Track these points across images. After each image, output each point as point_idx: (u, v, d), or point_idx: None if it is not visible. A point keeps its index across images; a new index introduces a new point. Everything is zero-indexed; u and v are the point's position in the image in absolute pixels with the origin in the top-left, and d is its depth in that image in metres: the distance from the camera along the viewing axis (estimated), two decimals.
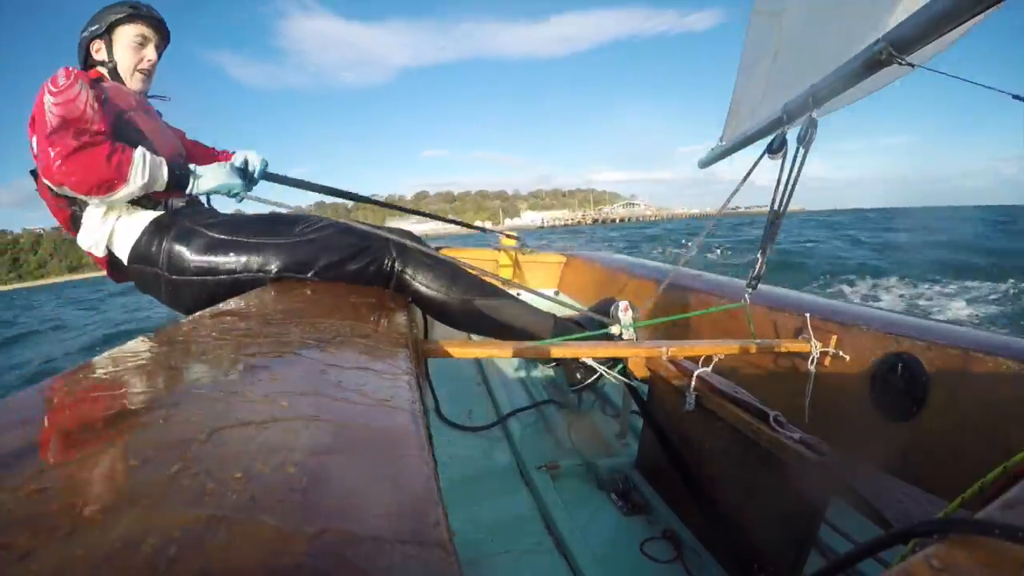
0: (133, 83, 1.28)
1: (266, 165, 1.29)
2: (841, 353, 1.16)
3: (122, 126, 1.18)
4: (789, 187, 1.22)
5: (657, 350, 1.13)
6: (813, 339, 1.17)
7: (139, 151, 1.07)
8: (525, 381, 1.81)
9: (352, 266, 1.12)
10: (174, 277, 1.10)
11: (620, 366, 1.24)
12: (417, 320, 1.22)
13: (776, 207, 1.25)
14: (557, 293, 2.67)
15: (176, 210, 1.17)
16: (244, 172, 1.23)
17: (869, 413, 1.10)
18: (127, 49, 1.26)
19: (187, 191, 1.15)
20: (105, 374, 0.47)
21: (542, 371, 1.85)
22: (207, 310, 0.77)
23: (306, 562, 0.25)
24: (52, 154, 0.99)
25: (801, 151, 1.17)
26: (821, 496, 0.77)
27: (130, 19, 1.24)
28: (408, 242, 1.18)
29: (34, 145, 1.04)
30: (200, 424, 0.38)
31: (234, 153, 1.31)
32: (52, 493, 0.29)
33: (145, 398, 0.43)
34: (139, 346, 0.57)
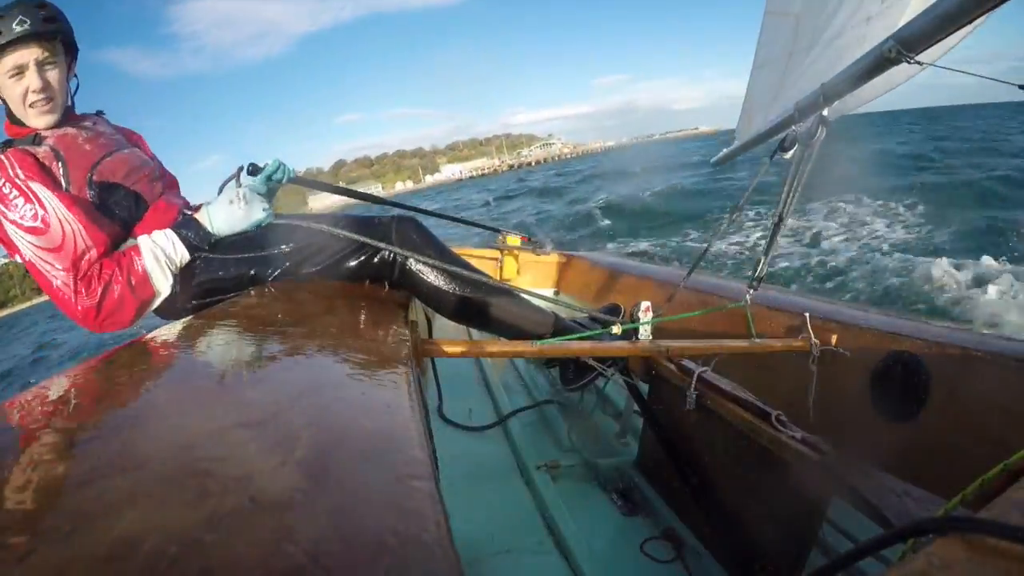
0: (34, 120, 1.05)
1: (288, 172, 1.16)
2: (841, 352, 1.16)
3: (94, 188, 1.05)
4: (796, 187, 1.22)
5: (658, 350, 1.13)
6: (813, 338, 1.17)
7: (147, 254, 0.98)
8: (525, 381, 1.81)
9: (355, 260, 1.11)
10: (178, 306, 1.06)
11: (620, 366, 1.23)
12: (418, 320, 1.22)
13: (782, 209, 1.25)
14: (556, 293, 2.67)
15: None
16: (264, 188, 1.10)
17: (869, 413, 1.10)
18: (6, 85, 1.02)
19: (211, 242, 1.04)
20: (105, 373, 0.47)
21: (542, 371, 1.85)
22: (208, 311, 0.78)
23: (306, 562, 0.25)
24: (82, 317, 0.94)
25: (812, 146, 1.17)
26: (822, 495, 0.77)
27: None
28: (409, 228, 1.15)
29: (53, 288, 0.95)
30: (200, 424, 0.38)
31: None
32: (52, 493, 0.29)
33: (145, 398, 0.43)
34: (140, 347, 0.57)
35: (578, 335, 1.24)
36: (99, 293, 0.93)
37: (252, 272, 1.06)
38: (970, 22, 0.78)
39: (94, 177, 1.07)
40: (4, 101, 1.05)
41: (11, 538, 0.25)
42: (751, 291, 1.30)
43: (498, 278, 2.57)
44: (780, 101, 1.41)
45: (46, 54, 1.03)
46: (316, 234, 1.11)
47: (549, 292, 2.69)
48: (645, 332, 1.25)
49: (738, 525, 0.92)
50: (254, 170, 1.08)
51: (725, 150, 1.73)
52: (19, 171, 0.96)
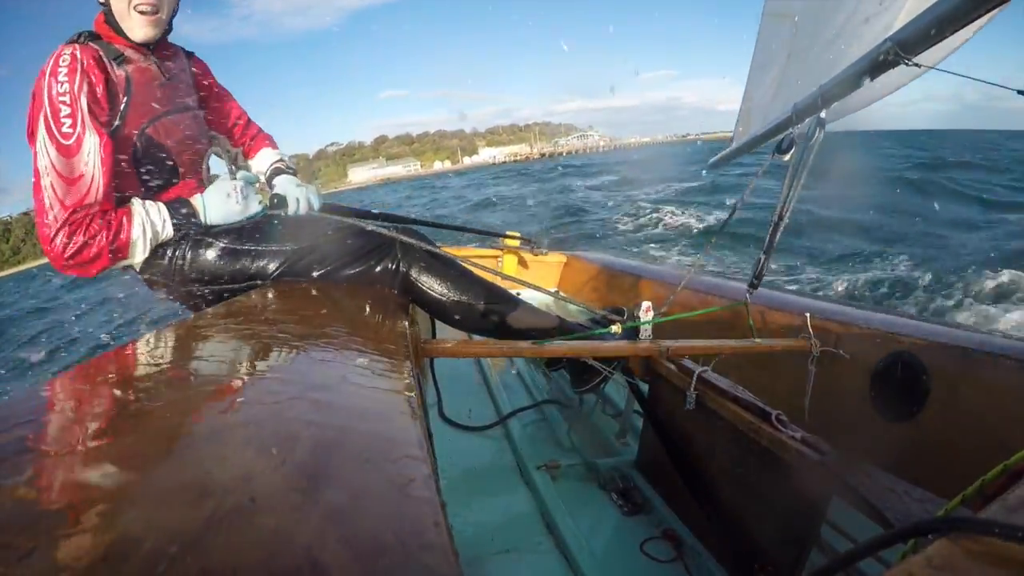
0: (135, 29, 0.99)
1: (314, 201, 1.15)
2: (841, 352, 1.16)
3: (142, 141, 1.02)
4: (795, 188, 1.21)
5: (658, 350, 1.13)
6: (813, 338, 1.17)
7: (136, 225, 0.95)
8: (525, 381, 1.81)
9: (356, 268, 1.11)
10: (183, 289, 1.06)
11: (620, 366, 1.23)
12: (418, 319, 1.22)
13: (780, 209, 1.25)
14: (557, 293, 2.67)
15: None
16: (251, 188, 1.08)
17: (869, 413, 1.10)
18: None
19: (202, 226, 1.03)
20: (104, 374, 0.47)
21: (542, 371, 1.85)
22: (209, 309, 0.77)
23: (306, 562, 0.25)
24: (50, 254, 0.90)
25: (810, 146, 1.16)
26: (822, 495, 0.77)
27: None
28: (414, 242, 1.15)
29: (40, 194, 0.89)
30: (200, 425, 0.38)
31: (267, 140, 1.27)
32: (53, 493, 0.29)
33: (146, 398, 0.43)
34: (140, 347, 0.57)
35: (578, 335, 1.24)
36: (78, 244, 0.90)
37: (253, 265, 1.05)
38: (967, 24, 0.78)
39: (148, 130, 1.03)
40: (108, 1, 0.98)
41: (11, 538, 0.25)
42: (751, 291, 1.30)
43: (497, 279, 2.56)
44: (778, 103, 1.41)
45: None
46: (321, 236, 1.10)
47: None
48: (645, 332, 1.25)
49: (738, 525, 0.92)
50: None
51: (721, 153, 1.72)
52: (84, 81, 0.91)
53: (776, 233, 1.26)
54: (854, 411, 1.13)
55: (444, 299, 1.17)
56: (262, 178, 1.12)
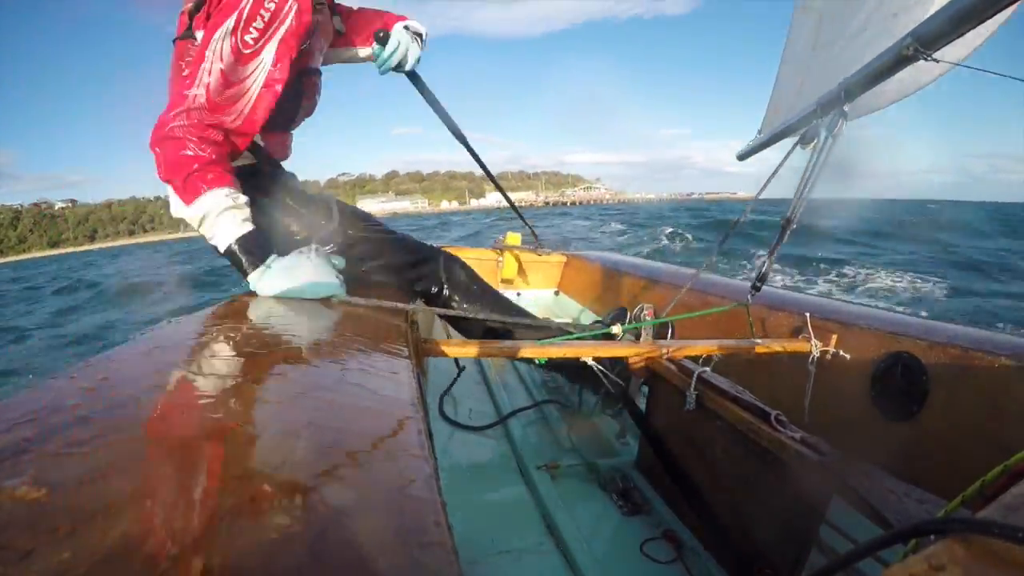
0: None
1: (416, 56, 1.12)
2: (841, 353, 1.16)
3: (299, 80, 1.02)
4: (808, 188, 1.21)
5: (658, 350, 1.13)
6: (813, 339, 1.17)
7: (206, 206, 0.88)
8: (525, 381, 1.81)
9: (402, 277, 1.16)
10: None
11: (621, 366, 1.23)
12: (419, 319, 1.22)
13: (791, 211, 1.24)
14: (557, 293, 2.67)
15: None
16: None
17: (869, 413, 1.10)
18: None
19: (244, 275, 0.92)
20: (104, 373, 0.47)
21: (542, 371, 1.85)
22: (208, 309, 0.77)
23: (306, 562, 0.25)
24: (158, 125, 0.85)
25: (829, 141, 1.16)
26: (821, 496, 0.77)
27: None
28: (458, 269, 1.25)
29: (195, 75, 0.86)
30: (199, 424, 0.38)
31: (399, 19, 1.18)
32: (53, 492, 0.29)
33: (145, 398, 0.43)
34: (140, 346, 0.57)
35: (578, 336, 1.24)
36: (181, 154, 0.85)
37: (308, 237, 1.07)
38: (986, 19, 0.78)
39: (305, 70, 1.04)
40: None
41: (11, 538, 0.25)
42: (753, 292, 1.30)
43: (498, 278, 2.56)
44: (804, 97, 1.42)
45: None
46: (373, 242, 1.16)
47: (550, 292, 2.69)
48: (646, 335, 1.26)
49: (738, 525, 0.92)
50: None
51: (749, 143, 1.72)
52: (294, 15, 0.90)
53: (784, 235, 1.26)
54: (854, 411, 1.13)
55: (474, 321, 1.25)
56: (336, 261, 0.99)
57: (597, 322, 1.40)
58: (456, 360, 1.81)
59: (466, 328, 1.30)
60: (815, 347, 1.16)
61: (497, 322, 1.27)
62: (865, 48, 1.17)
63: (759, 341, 1.19)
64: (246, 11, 0.86)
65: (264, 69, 0.89)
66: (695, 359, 1.10)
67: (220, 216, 0.88)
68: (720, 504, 0.96)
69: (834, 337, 1.18)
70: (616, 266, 2.28)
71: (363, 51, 1.26)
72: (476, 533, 1.02)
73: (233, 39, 0.86)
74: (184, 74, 0.92)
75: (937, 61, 0.89)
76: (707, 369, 1.02)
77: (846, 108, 1.12)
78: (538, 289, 2.66)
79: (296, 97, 1.08)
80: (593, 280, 2.39)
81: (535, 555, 0.98)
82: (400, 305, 1.03)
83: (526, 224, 2.39)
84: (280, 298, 0.89)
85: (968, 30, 0.80)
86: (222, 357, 0.55)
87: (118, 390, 0.44)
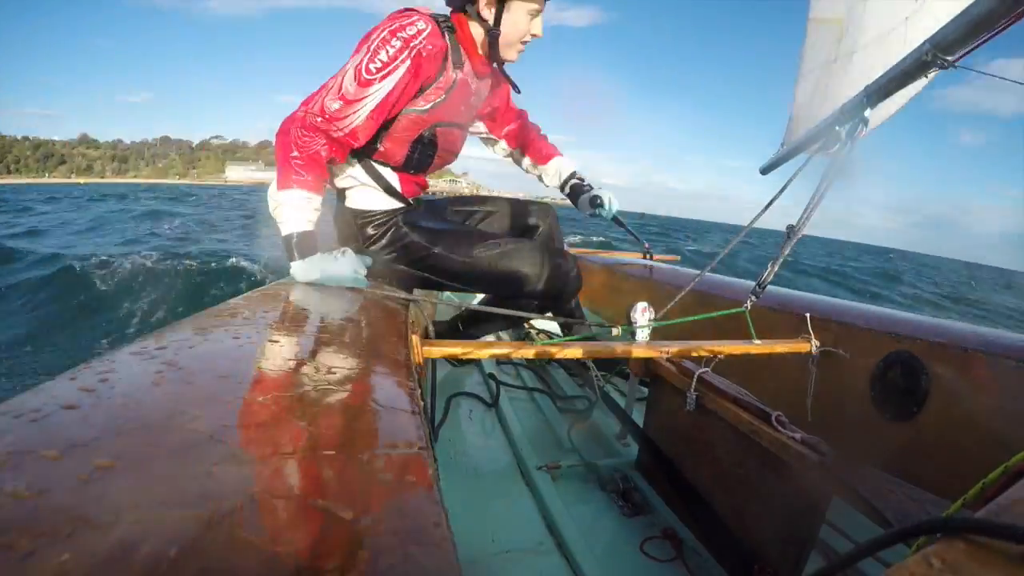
0: (508, 54, 1.14)
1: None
2: (842, 352, 1.16)
3: (424, 138, 1.18)
4: (821, 194, 1.20)
5: (658, 351, 1.13)
6: (813, 338, 1.17)
7: (293, 201, 1.03)
8: (526, 381, 1.81)
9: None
10: (384, 256, 1.27)
11: (621, 367, 1.23)
12: (419, 320, 1.22)
13: (801, 218, 1.23)
14: None
15: (412, 209, 1.32)
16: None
17: (869, 413, 1.10)
18: (522, 19, 1.08)
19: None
20: (104, 373, 0.47)
21: (542, 371, 1.85)
22: (205, 311, 0.77)
23: (306, 562, 0.25)
24: (302, 112, 1.02)
25: (848, 146, 1.16)
26: (822, 496, 0.77)
27: None
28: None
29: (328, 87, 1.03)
30: (199, 424, 0.38)
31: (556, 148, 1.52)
32: (53, 493, 0.29)
33: (145, 398, 0.43)
34: (139, 346, 0.57)
35: (577, 336, 1.24)
36: (291, 155, 1.01)
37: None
38: (1004, 28, 0.79)
39: (438, 129, 1.18)
40: (497, 22, 1.08)
41: (12, 538, 0.25)
42: (753, 298, 1.29)
43: None
44: (825, 107, 1.43)
45: None
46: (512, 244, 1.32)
47: None
48: (643, 334, 1.25)
49: (738, 526, 0.92)
50: None
51: (772, 156, 1.72)
52: (416, 58, 1.04)
53: (790, 242, 1.26)
54: (854, 411, 1.13)
55: (480, 308, 1.37)
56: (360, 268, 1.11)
57: (598, 325, 1.39)
58: (457, 360, 1.81)
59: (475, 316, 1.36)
60: (815, 347, 1.16)
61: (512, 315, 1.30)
62: (885, 55, 1.19)
63: (759, 342, 1.19)
64: (372, 46, 1.03)
65: (375, 99, 1.04)
66: (695, 359, 1.10)
67: (292, 211, 1.03)
68: (720, 504, 0.96)
69: (834, 337, 1.18)
70: (617, 266, 2.28)
71: (501, 149, 1.56)
72: (476, 533, 1.02)
73: (359, 66, 1.02)
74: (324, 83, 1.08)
75: (957, 68, 0.90)
76: (708, 369, 1.02)
77: (867, 114, 1.13)
78: None
79: (430, 145, 1.21)
80: (593, 280, 2.39)
81: (535, 555, 0.98)
82: (404, 295, 1.03)
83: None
84: (278, 299, 0.90)
85: (988, 37, 0.82)
86: (220, 357, 0.55)
87: (118, 391, 0.44)
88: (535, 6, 1.08)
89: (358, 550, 0.27)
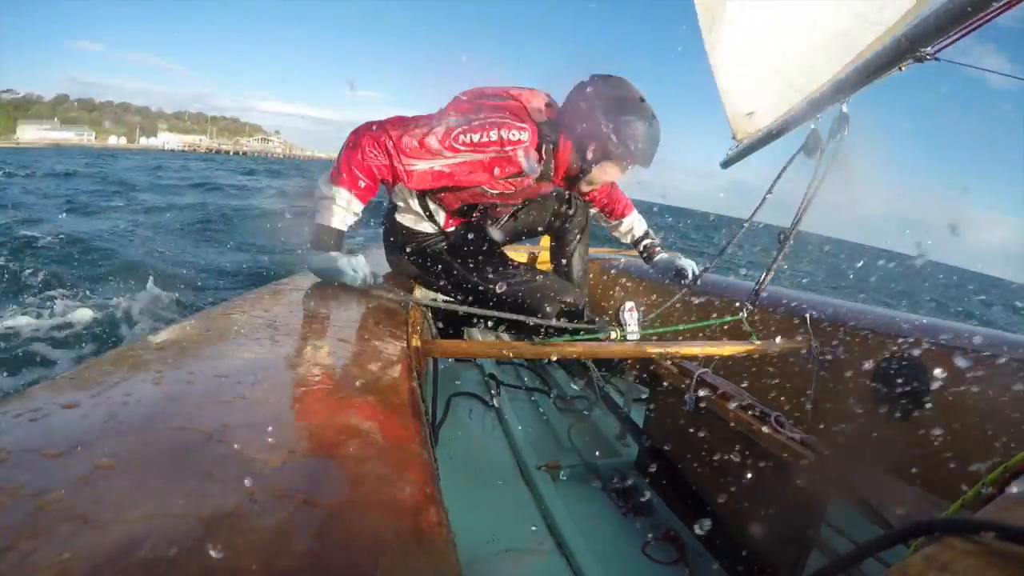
0: (582, 188, 1.30)
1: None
2: (842, 352, 1.16)
3: (485, 200, 1.32)
4: (812, 193, 1.20)
5: (658, 351, 1.13)
6: (813, 339, 1.17)
7: (343, 201, 1.13)
8: (525, 381, 1.81)
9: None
10: (412, 266, 1.45)
11: (621, 367, 1.23)
12: (419, 320, 1.22)
13: (792, 225, 1.23)
14: None
15: (452, 233, 1.45)
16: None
17: (869, 413, 1.10)
18: (608, 174, 1.24)
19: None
20: (104, 373, 0.47)
21: (542, 371, 1.85)
22: (206, 310, 0.77)
23: (306, 562, 0.25)
24: (373, 129, 1.13)
25: (831, 148, 1.14)
26: (822, 496, 0.77)
27: (634, 160, 1.21)
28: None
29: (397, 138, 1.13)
30: (199, 424, 0.38)
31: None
32: (54, 493, 0.29)
33: (146, 398, 0.43)
34: (138, 346, 0.57)
35: (578, 336, 1.24)
36: (357, 158, 1.11)
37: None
38: (984, 20, 0.79)
39: (491, 205, 1.38)
40: (586, 170, 1.23)
41: (12, 538, 0.25)
42: (749, 307, 1.29)
43: None
44: (787, 96, 1.37)
45: None
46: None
47: None
48: (633, 334, 1.25)
49: (738, 526, 0.92)
50: None
51: (732, 151, 1.69)
52: (502, 160, 1.16)
53: (783, 248, 1.26)
54: (854, 411, 1.13)
55: (485, 313, 1.33)
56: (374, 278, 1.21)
57: (598, 325, 1.40)
58: (457, 360, 1.81)
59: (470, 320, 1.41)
60: (815, 348, 1.16)
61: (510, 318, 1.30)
62: (854, 44, 1.14)
63: (759, 343, 1.19)
64: (475, 123, 1.13)
65: (443, 163, 1.14)
66: (695, 360, 1.10)
67: (332, 206, 1.12)
68: (720, 505, 0.96)
69: (834, 337, 1.18)
70: (617, 267, 2.28)
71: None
72: (476, 533, 1.02)
73: (453, 129, 1.12)
74: (414, 115, 1.19)
75: (938, 60, 0.90)
76: (707, 370, 1.02)
77: (845, 109, 1.11)
78: None
79: (483, 209, 1.41)
80: (593, 280, 2.38)
81: (535, 555, 0.98)
82: (405, 295, 1.03)
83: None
84: (278, 299, 0.90)
85: (963, 30, 0.82)
86: (220, 358, 0.55)
87: (118, 390, 0.44)
88: (620, 174, 1.25)
89: (358, 550, 0.27)
